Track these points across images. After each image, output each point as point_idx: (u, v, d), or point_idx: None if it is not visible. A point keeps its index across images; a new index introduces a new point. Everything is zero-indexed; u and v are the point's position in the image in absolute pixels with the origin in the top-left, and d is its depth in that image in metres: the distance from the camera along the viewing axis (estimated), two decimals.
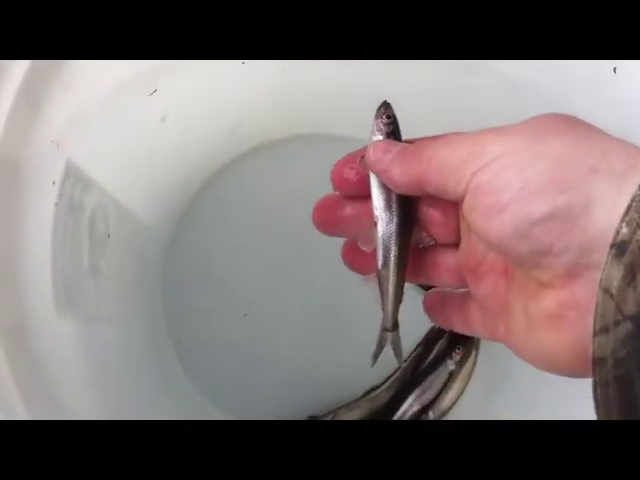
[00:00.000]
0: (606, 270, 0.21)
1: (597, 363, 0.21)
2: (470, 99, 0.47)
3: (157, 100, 0.43)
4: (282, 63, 0.44)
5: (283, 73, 0.47)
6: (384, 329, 0.30)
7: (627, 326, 0.20)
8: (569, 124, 0.23)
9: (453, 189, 0.25)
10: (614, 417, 0.21)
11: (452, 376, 0.60)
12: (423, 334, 0.62)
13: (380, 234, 0.29)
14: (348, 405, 0.60)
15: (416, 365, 0.61)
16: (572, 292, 0.22)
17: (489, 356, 0.60)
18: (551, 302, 0.23)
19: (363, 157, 0.28)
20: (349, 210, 0.30)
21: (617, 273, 0.20)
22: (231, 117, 0.54)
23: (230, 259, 0.61)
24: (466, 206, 0.24)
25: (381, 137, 0.28)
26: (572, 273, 0.22)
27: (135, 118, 0.43)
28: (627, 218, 0.21)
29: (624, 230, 0.21)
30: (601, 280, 0.21)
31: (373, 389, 0.61)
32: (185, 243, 0.61)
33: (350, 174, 0.29)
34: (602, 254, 0.21)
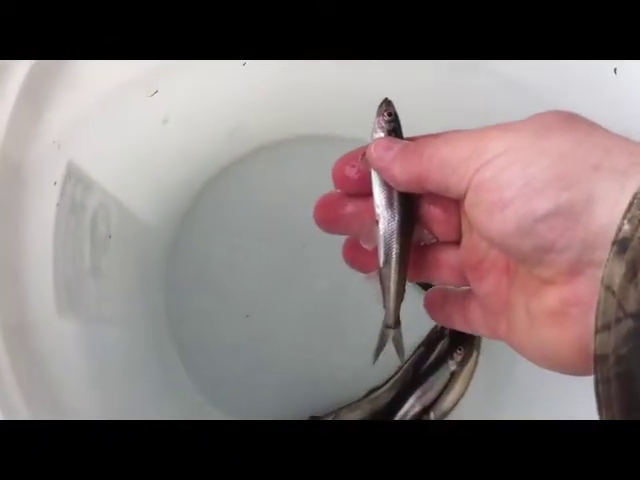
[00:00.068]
0: (608, 267, 0.21)
1: (599, 360, 0.21)
2: (470, 99, 0.47)
3: (158, 101, 0.43)
4: (282, 63, 0.44)
5: (283, 74, 0.47)
6: (386, 326, 0.31)
7: (629, 323, 0.20)
8: (572, 121, 0.23)
9: (455, 186, 0.25)
10: (616, 415, 0.21)
11: (453, 377, 0.60)
12: (423, 334, 0.62)
13: (381, 232, 0.29)
14: (349, 406, 0.60)
15: (417, 366, 0.61)
16: (574, 289, 0.22)
17: (490, 357, 0.60)
18: (553, 299, 0.23)
19: (364, 155, 0.28)
20: (350, 208, 0.30)
21: (619, 270, 0.21)
22: (232, 118, 0.54)
23: (231, 260, 0.61)
24: (468, 203, 0.24)
25: (382, 134, 0.28)
26: (574, 270, 0.22)
27: (136, 119, 0.43)
28: (629, 215, 0.21)
29: (626, 227, 0.21)
30: (603, 277, 0.21)
31: (374, 390, 0.61)
32: (186, 244, 0.61)
33: (351, 172, 0.29)
34: (604, 251, 0.21)
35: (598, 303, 0.21)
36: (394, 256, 0.29)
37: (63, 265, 0.38)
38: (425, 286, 0.47)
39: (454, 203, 0.27)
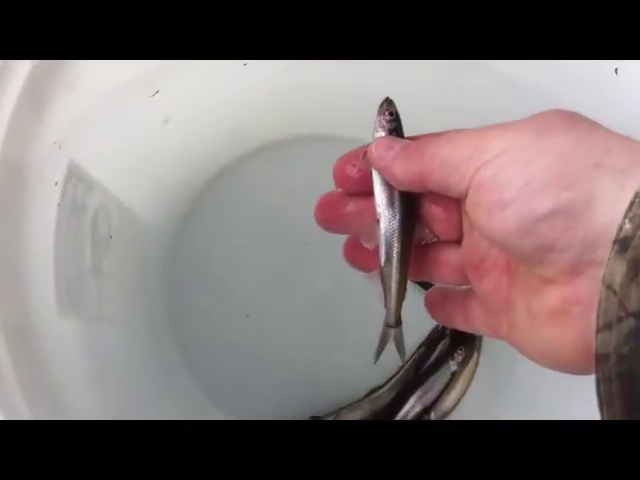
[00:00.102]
0: (609, 266, 0.21)
1: (600, 360, 0.21)
2: (470, 99, 0.47)
3: (159, 101, 0.43)
4: (283, 64, 0.44)
5: (283, 74, 0.47)
6: (387, 325, 0.31)
7: (630, 322, 0.20)
8: (572, 121, 0.23)
9: (456, 186, 0.25)
10: (617, 414, 0.21)
11: (454, 377, 0.60)
12: (424, 334, 0.62)
13: (382, 231, 0.29)
14: (350, 406, 0.60)
15: (418, 366, 0.61)
16: (575, 288, 0.22)
17: (491, 357, 0.60)
18: (554, 298, 0.23)
19: (365, 154, 0.28)
20: (351, 207, 0.30)
21: (620, 269, 0.20)
22: (232, 118, 0.54)
23: (231, 259, 0.61)
24: (469, 203, 0.24)
25: (383, 134, 0.28)
26: (575, 269, 0.22)
27: (137, 119, 0.43)
28: (630, 214, 0.21)
29: (627, 226, 0.21)
30: (604, 276, 0.21)
31: (375, 390, 0.61)
32: (187, 244, 0.61)
33: (352, 171, 0.29)
34: (605, 250, 0.21)
35: (599, 302, 0.21)
36: (395, 255, 0.29)
37: (64, 265, 0.38)
38: (426, 286, 0.47)
39: (455, 202, 0.27)
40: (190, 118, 0.49)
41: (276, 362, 0.60)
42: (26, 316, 0.34)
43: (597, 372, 0.21)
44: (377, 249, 0.29)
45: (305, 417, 0.59)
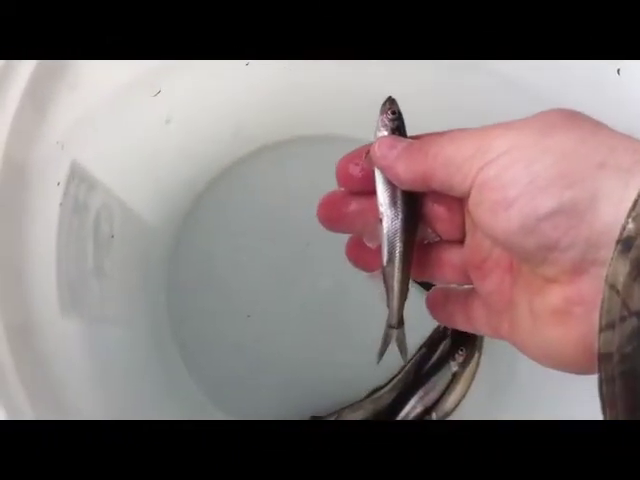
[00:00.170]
0: (612, 266, 0.21)
1: (603, 359, 0.21)
2: (470, 99, 0.47)
3: (161, 101, 0.43)
4: (283, 64, 0.44)
5: (284, 74, 0.47)
6: (389, 326, 0.31)
7: (633, 322, 0.20)
8: (576, 119, 0.23)
9: (459, 185, 0.25)
10: (620, 414, 0.21)
11: (455, 378, 0.60)
12: (425, 334, 0.62)
13: (385, 230, 0.29)
14: (351, 406, 0.60)
15: (419, 366, 0.61)
16: (578, 288, 0.22)
17: (492, 358, 0.60)
18: (557, 298, 0.23)
19: (368, 153, 0.28)
20: (354, 206, 0.30)
21: (623, 269, 0.20)
22: (234, 118, 0.54)
23: (233, 260, 0.61)
24: (472, 202, 0.24)
25: (386, 133, 0.28)
26: (578, 269, 0.22)
27: (140, 119, 0.43)
28: (633, 214, 0.21)
29: (630, 226, 0.21)
30: (607, 276, 0.21)
31: (376, 390, 0.61)
32: (188, 244, 0.61)
33: (355, 170, 0.29)
34: (608, 250, 0.21)
35: (602, 302, 0.21)
36: (397, 255, 0.29)
37: (66, 265, 0.38)
38: (427, 286, 0.48)
39: (458, 202, 0.28)
40: (191, 118, 0.49)
41: (277, 362, 0.60)
42: (28, 316, 0.34)
43: (600, 372, 0.21)
44: (379, 248, 0.29)
45: (306, 417, 0.59)
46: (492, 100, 0.44)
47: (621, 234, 0.21)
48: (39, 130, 0.33)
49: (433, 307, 0.32)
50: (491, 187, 0.23)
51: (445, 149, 0.25)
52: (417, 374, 0.61)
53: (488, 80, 0.44)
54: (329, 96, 0.53)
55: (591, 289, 0.22)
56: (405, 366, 0.61)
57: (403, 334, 0.31)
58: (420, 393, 0.60)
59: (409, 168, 0.26)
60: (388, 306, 0.30)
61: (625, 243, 0.21)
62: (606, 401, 0.21)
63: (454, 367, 0.60)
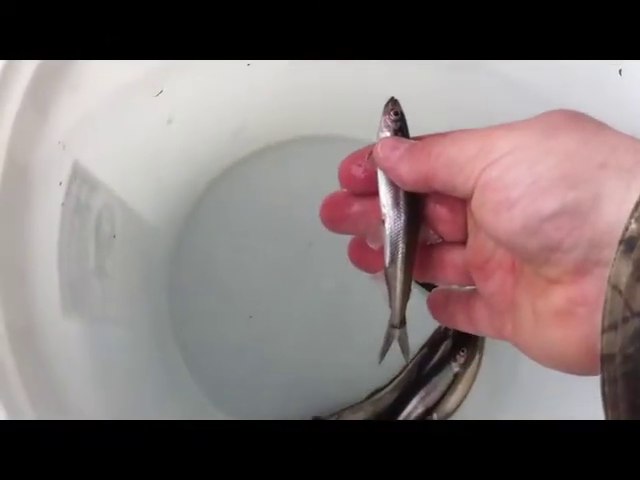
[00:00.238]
0: (615, 266, 0.21)
1: (605, 360, 0.21)
2: (470, 99, 0.47)
3: (163, 101, 0.43)
4: (285, 64, 0.44)
5: (286, 75, 0.47)
6: (392, 325, 0.31)
7: (635, 323, 0.20)
8: (578, 120, 0.23)
9: (461, 186, 0.25)
10: (622, 415, 0.21)
11: (456, 378, 0.60)
12: (427, 335, 0.62)
13: (387, 231, 0.29)
14: (352, 407, 0.60)
15: (420, 367, 0.61)
16: (581, 288, 0.22)
17: (493, 358, 0.60)
18: (560, 298, 0.23)
19: (371, 154, 0.28)
20: (357, 207, 0.30)
21: (626, 269, 0.20)
22: (236, 119, 0.54)
23: (235, 260, 0.61)
24: (475, 203, 0.24)
25: (389, 134, 0.28)
26: (581, 269, 0.22)
27: (141, 119, 0.43)
28: (636, 214, 0.21)
29: (633, 226, 0.21)
30: (610, 276, 0.21)
31: (377, 391, 0.61)
32: (190, 244, 0.61)
33: (358, 171, 0.29)
34: (611, 250, 0.21)
35: (605, 302, 0.21)
36: (400, 256, 0.29)
37: (68, 265, 0.38)
38: (428, 287, 0.47)
39: (460, 203, 0.28)
40: (193, 118, 0.49)
41: (279, 363, 0.60)
42: (30, 316, 0.34)
43: (602, 373, 0.21)
44: (382, 249, 0.29)
45: (307, 418, 0.59)
46: (492, 100, 0.44)
47: (624, 234, 0.21)
48: (41, 130, 0.33)
49: (434, 308, 0.32)
50: (494, 188, 0.23)
51: (448, 150, 0.25)
52: (418, 375, 0.61)
53: (488, 80, 0.44)
54: (331, 96, 0.53)
55: (594, 290, 0.22)
56: (406, 366, 0.61)
57: (405, 334, 0.31)
58: (421, 393, 0.60)
59: (412, 169, 0.26)
60: (390, 306, 0.30)
61: (628, 243, 0.21)
62: (608, 402, 0.21)
63: (455, 368, 0.60)
